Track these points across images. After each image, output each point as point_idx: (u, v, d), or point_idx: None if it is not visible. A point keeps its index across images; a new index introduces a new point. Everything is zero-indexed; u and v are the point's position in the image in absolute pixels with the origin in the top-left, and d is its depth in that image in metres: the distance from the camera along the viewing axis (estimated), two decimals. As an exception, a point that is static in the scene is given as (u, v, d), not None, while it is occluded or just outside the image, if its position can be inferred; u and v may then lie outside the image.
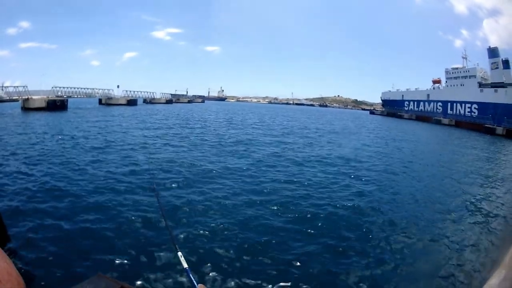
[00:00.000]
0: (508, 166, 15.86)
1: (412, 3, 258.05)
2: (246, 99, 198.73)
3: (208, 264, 4.51)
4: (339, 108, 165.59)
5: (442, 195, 8.98)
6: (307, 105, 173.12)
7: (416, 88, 72.13)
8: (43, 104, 38.38)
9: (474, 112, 50.00)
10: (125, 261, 4.50)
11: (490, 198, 9.00)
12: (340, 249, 5.31)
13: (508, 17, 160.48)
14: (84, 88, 53.50)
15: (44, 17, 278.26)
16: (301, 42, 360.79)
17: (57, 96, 44.03)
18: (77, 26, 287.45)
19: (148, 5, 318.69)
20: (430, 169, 13.39)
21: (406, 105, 73.71)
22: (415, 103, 70.44)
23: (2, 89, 34.42)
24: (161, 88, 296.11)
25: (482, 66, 53.02)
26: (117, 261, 4.47)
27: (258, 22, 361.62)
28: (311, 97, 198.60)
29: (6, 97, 34.68)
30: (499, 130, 38.08)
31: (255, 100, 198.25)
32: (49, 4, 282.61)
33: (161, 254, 4.66)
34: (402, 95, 76.30)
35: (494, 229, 6.49)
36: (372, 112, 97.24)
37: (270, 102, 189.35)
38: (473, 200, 8.58)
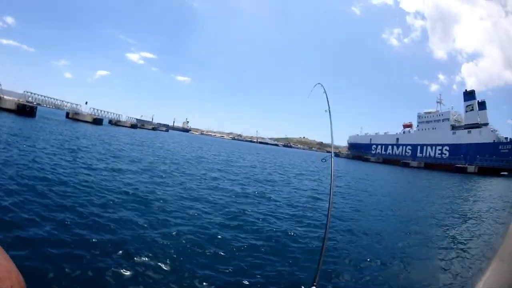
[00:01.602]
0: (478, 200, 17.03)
1: (390, 48, 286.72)
2: (210, 133, 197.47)
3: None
4: (303, 149, 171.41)
5: (418, 228, 8.60)
6: (272, 144, 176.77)
7: (385, 132, 77.46)
8: (13, 107, 37.95)
9: (445, 154, 54.41)
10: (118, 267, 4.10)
11: (465, 228, 9.04)
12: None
13: (489, 58, 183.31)
14: (54, 99, 53.14)
15: (29, 17, 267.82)
16: (269, 81, 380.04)
17: (28, 102, 41.61)
18: (57, 33, 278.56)
19: (126, 25, 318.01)
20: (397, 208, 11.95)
21: (373, 148, 77.92)
22: (383, 146, 74.91)
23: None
24: (127, 110, 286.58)
25: (457, 109, 58.97)
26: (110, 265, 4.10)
27: (231, 58, 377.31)
28: (276, 136, 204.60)
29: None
30: (471, 168, 41.63)
31: (219, 134, 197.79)
32: (36, 5, 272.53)
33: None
34: (370, 139, 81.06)
35: (469, 255, 6.40)
36: (336, 155, 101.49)
37: (233, 138, 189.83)
38: (450, 230, 8.52)
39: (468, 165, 42.57)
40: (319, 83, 3.68)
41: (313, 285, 1.70)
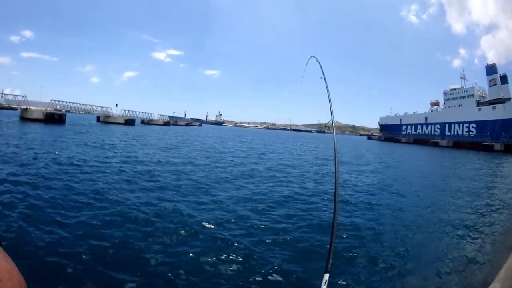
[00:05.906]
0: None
1: (409, 26, 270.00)
2: (243, 124, 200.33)
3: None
4: (337, 134, 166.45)
5: (438, 211, 8.37)
6: (305, 131, 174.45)
7: (414, 112, 72.97)
8: (41, 116, 38.47)
9: (472, 131, 50.42)
10: (119, 274, 4.12)
11: (486, 215, 8.36)
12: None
13: (505, 30, 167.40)
14: (83, 104, 53.60)
15: (46, 28, 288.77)
16: (299, 68, 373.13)
17: (56, 109, 43.87)
18: (79, 41, 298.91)
19: (149, 25, 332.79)
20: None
21: (404, 129, 74.24)
22: (413, 126, 71.07)
23: (2, 96, 34.48)
24: (159, 109, 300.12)
25: (481, 84, 54.49)
26: (110, 273, 4.10)
27: (258, 48, 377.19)
28: (309, 123, 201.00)
29: (5, 104, 34.71)
30: (497, 146, 38.48)
31: (253, 125, 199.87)
32: (52, 16, 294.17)
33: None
34: (400, 119, 76.99)
35: (490, 245, 6.14)
36: (369, 138, 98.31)
37: (267, 128, 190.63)
38: (468, 217, 7.95)
39: (495, 143, 39.25)
40: (313, 56, 3.50)
41: (326, 272, 1.52)
